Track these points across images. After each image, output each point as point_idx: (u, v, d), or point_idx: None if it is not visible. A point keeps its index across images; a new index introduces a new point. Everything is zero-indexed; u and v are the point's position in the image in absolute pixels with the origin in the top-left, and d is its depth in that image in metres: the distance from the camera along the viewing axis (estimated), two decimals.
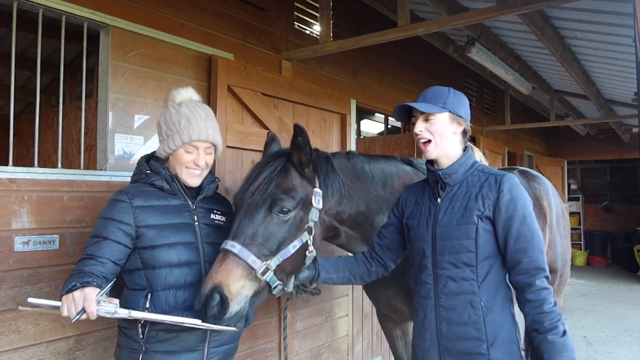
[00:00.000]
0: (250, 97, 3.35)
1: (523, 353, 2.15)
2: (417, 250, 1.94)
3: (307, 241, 2.01)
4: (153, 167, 1.97)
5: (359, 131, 8.37)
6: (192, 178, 1.95)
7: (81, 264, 1.74)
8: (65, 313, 1.54)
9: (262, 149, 2.43)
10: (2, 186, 2.18)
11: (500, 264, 1.81)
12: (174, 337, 1.82)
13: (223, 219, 2.07)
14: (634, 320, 7.04)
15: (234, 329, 1.84)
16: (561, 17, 4.17)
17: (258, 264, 1.85)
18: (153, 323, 1.78)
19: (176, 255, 1.85)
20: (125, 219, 1.81)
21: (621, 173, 13.62)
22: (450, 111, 1.85)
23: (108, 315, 1.59)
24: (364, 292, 3.67)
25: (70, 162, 3.10)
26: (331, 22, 3.86)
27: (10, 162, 2.39)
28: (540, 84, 6.80)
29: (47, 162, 3.39)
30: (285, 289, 1.99)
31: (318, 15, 3.94)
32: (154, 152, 2.06)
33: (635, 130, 9.45)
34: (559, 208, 3.51)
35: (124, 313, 1.61)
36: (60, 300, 1.58)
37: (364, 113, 8.21)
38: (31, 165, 2.48)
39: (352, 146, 4.32)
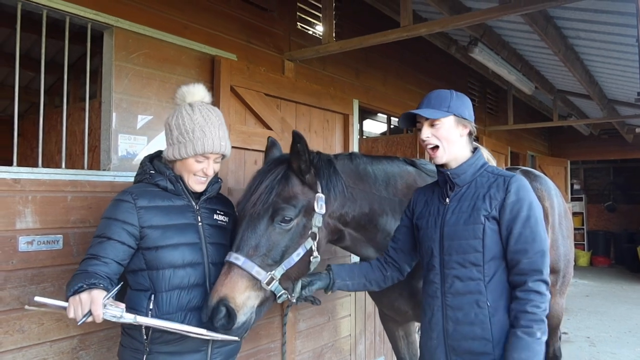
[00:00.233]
0: (253, 98, 3.36)
1: None
2: (426, 250, 1.94)
3: (311, 247, 2.01)
4: (157, 167, 1.97)
5: (361, 131, 8.37)
6: (199, 185, 1.96)
7: (85, 264, 1.74)
8: (71, 315, 1.54)
9: (264, 149, 2.43)
10: (6, 186, 2.19)
11: (507, 266, 1.80)
12: (178, 338, 1.82)
13: (226, 219, 2.07)
14: (638, 321, 7.02)
15: (237, 338, 1.85)
16: (564, 17, 4.16)
17: (263, 275, 1.86)
18: None
19: (180, 257, 1.85)
20: (129, 219, 1.81)
21: (624, 173, 13.58)
22: (454, 114, 1.85)
23: (114, 320, 1.58)
24: (366, 292, 3.67)
25: (73, 163, 3.11)
26: (334, 22, 3.86)
27: (15, 162, 2.41)
28: (543, 84, 6.78)
29: (51, 162, 3.40)
30: (290, 298, 1.99)
31: (321, 15, 3.94)
32: (157, 151, 2.06)
33: (638, 130, 9.42)
34: (561, 208, 3.50)
35: (129, 318, 1.61)
36: (65, 300, 1.58)
37: (366, 113, 8.21)
38: (35, 165, 2.49)
39: (354, 146, 4.32)
